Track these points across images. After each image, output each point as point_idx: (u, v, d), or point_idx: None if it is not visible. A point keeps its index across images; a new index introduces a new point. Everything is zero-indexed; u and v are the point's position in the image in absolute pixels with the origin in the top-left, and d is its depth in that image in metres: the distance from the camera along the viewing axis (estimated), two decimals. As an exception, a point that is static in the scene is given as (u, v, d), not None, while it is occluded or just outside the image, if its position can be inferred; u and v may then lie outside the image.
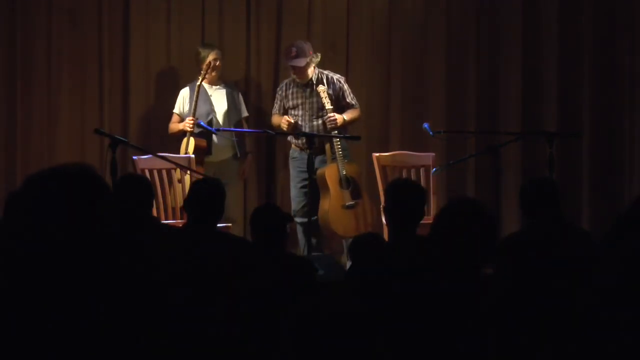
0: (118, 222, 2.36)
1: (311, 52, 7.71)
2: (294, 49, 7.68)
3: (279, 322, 4.03)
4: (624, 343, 2.99)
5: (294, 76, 7.76)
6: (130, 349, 2.30)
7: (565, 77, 8.67)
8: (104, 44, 8.22)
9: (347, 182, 7.61)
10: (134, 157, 7.31)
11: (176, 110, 7.91)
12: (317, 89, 7.64)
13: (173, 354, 2.41)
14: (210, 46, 7.96)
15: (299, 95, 7.78)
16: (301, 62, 7.66)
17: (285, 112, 7.86)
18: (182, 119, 7.85)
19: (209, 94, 7.87)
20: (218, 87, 7.94)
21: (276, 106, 7.93)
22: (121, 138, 6.72)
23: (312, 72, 7.73)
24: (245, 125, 8.02)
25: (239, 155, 7.94)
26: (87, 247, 2.28)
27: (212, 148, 7.78)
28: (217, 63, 7.85)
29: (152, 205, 6.15)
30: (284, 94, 7.86)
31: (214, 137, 7.79)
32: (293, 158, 7.85)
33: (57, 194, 2.32)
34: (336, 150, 7.53)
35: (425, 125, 7.46)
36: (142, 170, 7.21)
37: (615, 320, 3.02)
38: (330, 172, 7.59)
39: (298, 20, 8.48)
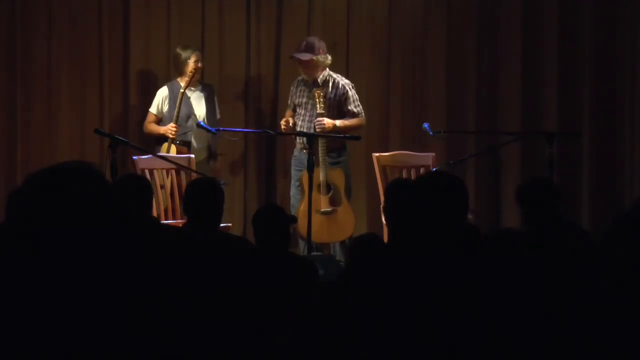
0: (119, 219, 2.36)
1: (321, 51, 7.67)
2: (303, 43, 7.68)
3: (282, 322, 4.03)
4: (624, 342, 2.99)
5: (300, 71, 7.75)
6: (131, 347, 2.30)
7: (565, 76, 8.67)
8: (104, 44, 8.21)
9: (326, 188, 7.56)
10: (134, 157, 7.30)
11: (153, 110, 7.83)
12: (315, 90, 7.62)
13: (173, 354, 2.41)
14: (190, 48, 7.88)
15: (305, 94, 7.77)
16: (304, 57, 7.63)
17: (295, 108, 7.86)
18: (158, 119, 7.81)
19: (188, 96, 7.81)
20: (196, 89, 7.88)
21: (289, 101, 7.93)
22: (121, 138, 6.71)
23: (319, 72, 7.69)
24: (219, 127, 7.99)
25: (215, 155, 7.92)
26: (89, 245, 2.28)
27: (190, 153, 7.74)
28: (200, 64, 7.81)
29: (151, 206, 6.14)
30: (294, 89, 7.84)
31: (193, 140, 7.76)
32: (294, 157, 7.85)
33: (58, 191, 2.31)
34: (320, 154, 7.47)
35: (425, 125, 7.47)
36: (142, 170, 7.20)
37: (615, 320, 3.01)
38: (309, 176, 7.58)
39: (298, 20, 8.48)
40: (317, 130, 7.51)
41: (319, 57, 7.65)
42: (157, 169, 7.32)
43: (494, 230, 3.99)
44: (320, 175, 7.43)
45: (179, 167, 7.30)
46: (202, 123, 7.62)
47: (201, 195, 5.07)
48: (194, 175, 7.07)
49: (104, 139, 7.24)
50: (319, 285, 4.87)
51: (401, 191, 4.76)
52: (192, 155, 7.56)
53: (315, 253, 7.37)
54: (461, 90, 8.65)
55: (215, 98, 7.99)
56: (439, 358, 2.95)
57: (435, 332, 2.96)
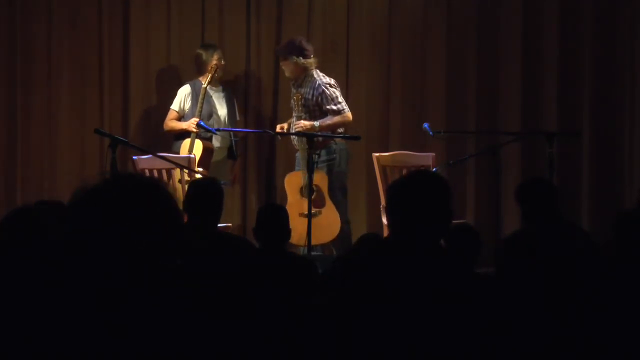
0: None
1: (306, 53, 7.67)
2: (285, 41, 7.82)
3: (282, 322, 4.03)
4: (624, 342, 2.99)
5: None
6: (129, 348, 2.31)
7: (565, 77, 8.67)
8: (104, 44, 8.22)
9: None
10: (134, 157, 7.31)
11: (175, 107, 7.87)
12: (295, 94, 7.68)
13: (172, 354, 2.42)
14: (212, 47, 7.95)
15: (293, 95, 7.81)
16: (277, 52, 7.75)
17: None
18: (180, 117, 7.84)
19: (210, 95, 7.87)
20: (218, 89, 7.95)
21: None
22: (121, 138, 6.72)
23: (299, 73, 7.71)
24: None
25: (236, 156, 7.97)
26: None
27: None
28: (222, 62, 7.87)
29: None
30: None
31: (214, 139, 7.81)
32: (296, 157, 7.87)
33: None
34: (302, 157, 7.44)
35: (425, 125, 7.46)
36: (142, 170, 7.21)
37: (615, 320, 3.02)
38: (290, 180, 7.55)
39: (298, 20, 8.48)
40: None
41: (294, 58, 7.66)
42: (162, 169, 7.35)
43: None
44: (302, 177, 7.39)
45: (179, 167, 7.30)
46: (202, 123, 7.64)
47: (201, 195, 5.08)
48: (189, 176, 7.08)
49: (104, 139, 7.24)
50: (319, 285, 4.86)
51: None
52: (193, 155, 7.57)
53: (315, 253, 7.36)
54: (461, 90, 8.65)
55: (235, 100, 8.03)
56: (438, 358, 2.95)
57: (434, 331, 2.96)
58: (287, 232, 4.96)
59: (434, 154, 7.83)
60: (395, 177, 7.47)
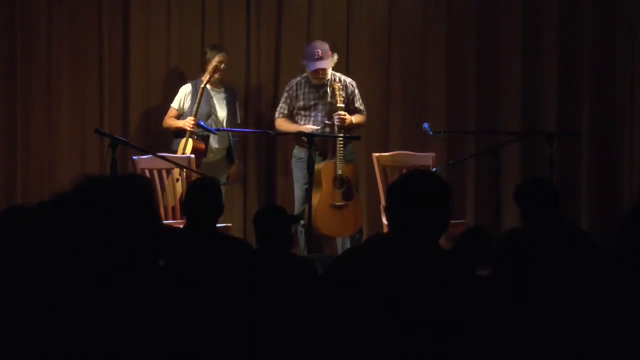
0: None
1: (331, 53, 7.72)
2: (318, 51, 7.65)
3: (282, 323, 4.03)
4: (624, 343, 2.99)
5: (313, 78, 7.71)
6: (130, 348, 2.31)
7: (565, 77, 8.67)
8: (104, 44, 8.21)
9: (341, 182, 7.59)
10: (134, 157, 7.31)
11: (175, 105, 7.87)
12: (334, 84, 7.63)
13: (174, 354, 2.42)
14: (217, 48, 7.94)
15: (312, 96, 7.76)
16: (327, 64, 7.66)
17: (291, 112, 7.83)
18: (179, 115, 7.84)
19: (211, 96, 7.86)
20: (220, 90, 7.93)
21: (284, 107, 7.87)
22: (121, 138, 6.71)
23: (329, 73, 7.75)
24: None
25: (234, 157, 7.95)
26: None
27: (208, 151, 7.79)
28: (222, 66, 7.84)
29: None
30: (294, 93, 7.80)
31: (212, 139, 7.80)
32: (299, 159, 7.76)
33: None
34: (338, 148, 7.51)
35: (425, 125, 7.47)
36: (142, 170, 7.21)
37: (615, 320, 3.01)
38: (327, 169, 7.57)
39: (298, 20, 8.48)
40: (337, 123, 7.54)
41: (332, 59, 7.71)
42: (162, 169, 7.35)
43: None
44: (337, 169, 7.47)
45: (179, 167, 7.30)
46: (201, 122, 7.64)
47: (201, 195, 5.08)
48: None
49: (104, 139, 7.24)
50: (320, 286, 4.86)
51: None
52: (192, 155, 7.56)
53: (315, 254, 7.37)
54: (461, 90, 8.65)
55: (237, 102, 8.02)
56: (437, 357, 2.95)
57: (433, 331, 2.96)
58: (287, 232, 4.94)
59: (434, 154, 7.83)
60: (395, 177, 7.47)
